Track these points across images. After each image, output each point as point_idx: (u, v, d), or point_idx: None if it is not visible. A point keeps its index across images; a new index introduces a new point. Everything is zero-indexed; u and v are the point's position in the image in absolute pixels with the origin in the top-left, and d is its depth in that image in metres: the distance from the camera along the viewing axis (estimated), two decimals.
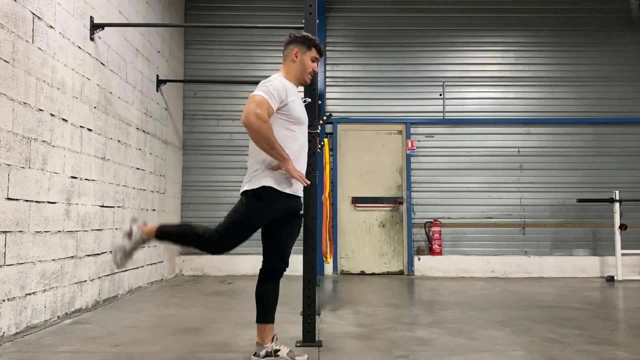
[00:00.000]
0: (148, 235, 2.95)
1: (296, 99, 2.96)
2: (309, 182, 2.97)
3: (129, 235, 2.93)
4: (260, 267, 3.04)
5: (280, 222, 2.97)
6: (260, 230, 3.05)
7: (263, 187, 2.83)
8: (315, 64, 3.08)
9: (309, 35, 3.08)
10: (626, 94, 8.13)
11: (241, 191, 2.93)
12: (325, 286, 6.57)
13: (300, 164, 2.95)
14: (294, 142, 2.91)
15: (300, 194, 3.03)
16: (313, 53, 3.04)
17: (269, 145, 2.74)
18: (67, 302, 4.33)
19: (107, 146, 5.14)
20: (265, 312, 3.00)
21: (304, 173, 3.00)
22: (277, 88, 2.82)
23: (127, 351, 3.29)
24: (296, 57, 3.02)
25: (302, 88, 3.55)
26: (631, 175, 7.97)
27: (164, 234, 2.99)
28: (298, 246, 3.78)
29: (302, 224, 3.34)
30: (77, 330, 3.87)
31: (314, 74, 3.15)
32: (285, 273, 3.05)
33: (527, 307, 4.97)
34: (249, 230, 2.89)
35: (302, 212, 3.19)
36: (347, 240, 7.87)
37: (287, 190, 2.89)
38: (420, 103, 8.09)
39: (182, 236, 3.04)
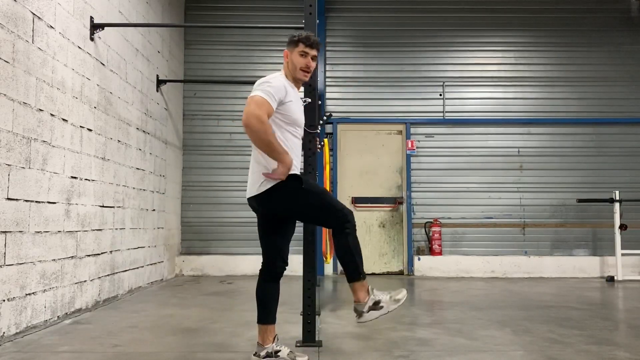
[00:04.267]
0: (365, 292, 2.88)
1: (294, 100, 2.92)
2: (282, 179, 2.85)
3: (377, 305, 2.86)
4: (260, 267, 3.04)
5: (280, 220, 2.98)
6: (258, 230, 3.05)
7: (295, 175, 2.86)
8: (307, 58, 2.94)
9: (298, 33, 3.02)
10: (626, 94, 8.13)
11: (256, 194, 2.86)
12: (325, 286, 6.57)
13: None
14: (286, 143, 2.88)
15: None
16: (300, 47, 2.92)
17: (268, 147, 2.71)
18: (67, 302, 4.33)
19: (107, 146, 5.14)
20: (266, 312, 2.99)
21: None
22: (277, 87, 2.79)
23: (127, 351, 3.29)
24: (287, 57, 3.00)
25: (301, 88, 3.54)
26: (631, 175, 7.97)
27: (351, 263, 2.88)
28: (298, 246, 3.78)
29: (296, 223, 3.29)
30: (77, 330, 3.87)
31: (314, 73, 3.07)
32: (285, 273, 3.05)
33: (527, 307, 4.97)
34: (329, 194, 2.96)
35: None
36: None
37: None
38: (420, 103, 8.09)
39: (355, 248, 2.89)
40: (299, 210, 2.90)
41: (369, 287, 2.91)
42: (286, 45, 3.02)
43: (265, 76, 2.89)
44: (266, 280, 3.01)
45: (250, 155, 3.01)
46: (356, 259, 2.87)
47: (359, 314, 2.88)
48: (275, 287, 3.03)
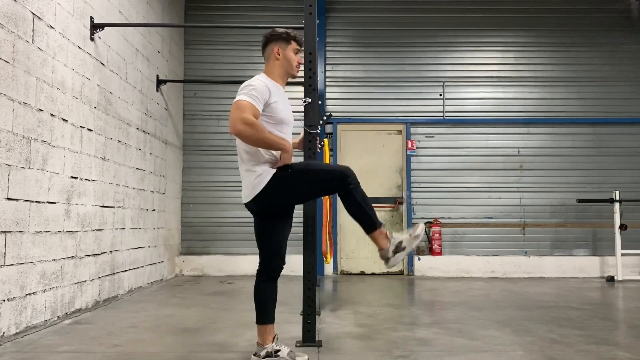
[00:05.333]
0: (385, 239, 2.90)
1: (279, 100, 2.91)
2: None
3: (399, 246, 2.88)
4: (258, 267, 3.04)
5: (277, 218, 2.98)
6: (255, 231, 3.05)
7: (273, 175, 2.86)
8: (299, 55, 3.08)
9: (284, 30, 3.06)
10: (626, 94, 8.13)
11: (252, 197, 2.89)
12: (325, 286, 6.57)
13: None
14: None
15: None
16: (294, 46, 3.03)
17: (266, 143, 2.76)
18: (67, 302, 4.33)
19: (107, 146, 5.14)
20: (265, 312, 2.99)
21: None
22: (259, 89, 2.79)
23: (127, 351, 3.29)
24: (278, 54, 3.01)
25: (301, 88, 3.55)
26: (631, 175, 7.97)
27: (363, 214, 2.93)
28: (298, 246, 3.79)
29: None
30: (77, 330, 3.87)
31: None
32: (285, 273, 3.05)
33: (527, 307, 4.97)
34: (317, 163, 3.14)
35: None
36: (347, 240, 7.87)
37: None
38: (420, 103, 8.09)
39: (363, 201, 2.95)
40: (300, 193, 2.93)
41: (387, 232, 2.95)
42: (273, 42, 3.02)
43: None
44: (264, 280, 3.01)
45: None
46: (368, 211, 2.92)
47: (386, 259, 2.91)
48: (273, 287, 3.03)
